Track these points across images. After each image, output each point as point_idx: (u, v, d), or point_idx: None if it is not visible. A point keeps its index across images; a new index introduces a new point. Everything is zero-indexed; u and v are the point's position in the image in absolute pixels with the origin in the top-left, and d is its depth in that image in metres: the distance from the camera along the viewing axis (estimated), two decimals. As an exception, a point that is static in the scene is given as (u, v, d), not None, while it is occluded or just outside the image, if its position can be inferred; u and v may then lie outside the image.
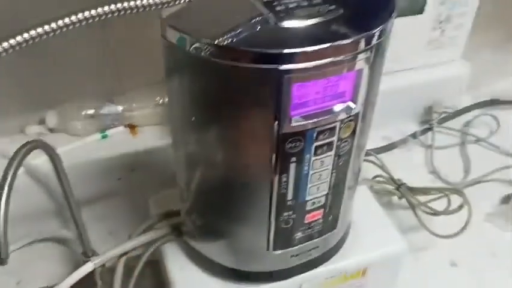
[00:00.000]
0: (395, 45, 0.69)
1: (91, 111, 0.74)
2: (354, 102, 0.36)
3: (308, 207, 0.41)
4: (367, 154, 0.67)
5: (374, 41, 0.33)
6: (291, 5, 0.34)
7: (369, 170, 0.67)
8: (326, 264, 0.48)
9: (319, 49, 0.31)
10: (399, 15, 0.67)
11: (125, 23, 0.56)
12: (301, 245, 0.44)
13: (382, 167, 0.65)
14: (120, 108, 0.70)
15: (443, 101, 0.77)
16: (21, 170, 0.35)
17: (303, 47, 0.31)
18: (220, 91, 0.34)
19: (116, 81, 0.69)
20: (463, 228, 0.54)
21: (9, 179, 0.31)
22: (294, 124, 0.34)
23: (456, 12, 0.69)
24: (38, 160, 0.69)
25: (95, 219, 0.63)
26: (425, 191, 0.60)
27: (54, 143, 0.73)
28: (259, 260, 0.44)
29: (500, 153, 0.73)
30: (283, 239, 0.42)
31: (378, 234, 0.51)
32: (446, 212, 0.57)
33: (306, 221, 0.42)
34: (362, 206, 0.54)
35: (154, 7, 0.32)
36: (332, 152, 0.37)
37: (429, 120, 0.76)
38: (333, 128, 0.36)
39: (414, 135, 0.75)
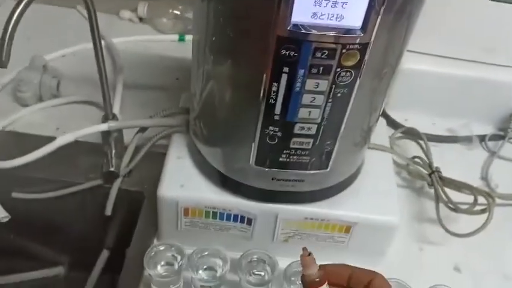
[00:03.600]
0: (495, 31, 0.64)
1: (177, 12, 0.78)
2: (363, 29, 0.34)
3: (296, 131, 0.40)
4: (417, 136, 0.63)
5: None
6: None
7: (411, 150, 0.63)
8: (309, 205, 0.47)
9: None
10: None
11: None
12: (284, 170, 0.43)
13: (425, 150, 0.61)
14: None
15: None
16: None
17: None
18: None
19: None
20: (474, 233, 0.50)
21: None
22: (289, 28, 0.33)
23: None
24: (116, 40, 0.76)
25: (142, 104, 0.67)
26: (457, 185, 0.56)
27: (140, 31, 0.80)
28: (241, 170, 0.45)
29: None
30: (266, 156, 0.42)
31: (376, 199, 0.49)
32: (467, 211, 0.53)
33: (292, 146, 0.41)
34: (376, 170, 0.52)
35: None
36: (330, 77, 0.36)
37: (506, 128, 0.69)
38: (333, 50, 0.34)
39: (482, 138, 0.69)
